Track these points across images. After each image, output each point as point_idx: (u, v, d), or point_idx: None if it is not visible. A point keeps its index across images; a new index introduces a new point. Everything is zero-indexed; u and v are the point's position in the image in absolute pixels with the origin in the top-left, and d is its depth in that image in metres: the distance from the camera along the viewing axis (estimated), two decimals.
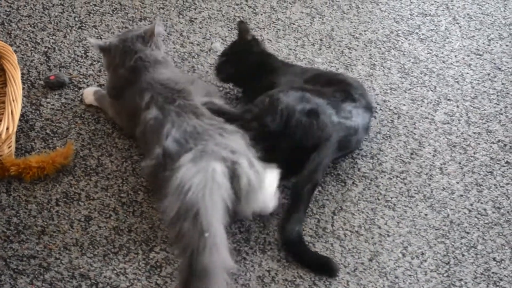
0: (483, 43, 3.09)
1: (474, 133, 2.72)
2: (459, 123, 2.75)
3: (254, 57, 2.70)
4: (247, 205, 2.24)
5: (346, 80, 2.62)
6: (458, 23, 3.18)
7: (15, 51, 2.73)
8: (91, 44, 2.64)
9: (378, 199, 2.48)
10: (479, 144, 2.69)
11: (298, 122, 2.39)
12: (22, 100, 2.58)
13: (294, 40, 3.02)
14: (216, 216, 2.10)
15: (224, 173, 2.16)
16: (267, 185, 2.28)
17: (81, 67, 2.83)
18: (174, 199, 2.12)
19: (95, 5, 3.09)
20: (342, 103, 2.46)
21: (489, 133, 2.72)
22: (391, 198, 2.49)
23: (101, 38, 2.93)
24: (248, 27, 2.76)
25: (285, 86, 2.52)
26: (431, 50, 3.04)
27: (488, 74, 2.95)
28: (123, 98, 2.52)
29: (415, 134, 2.69)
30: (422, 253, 2.35)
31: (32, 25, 2.98)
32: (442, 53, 3.03)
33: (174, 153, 2.24)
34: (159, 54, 2.57)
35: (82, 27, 2.99)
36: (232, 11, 3.12)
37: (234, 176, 2.18)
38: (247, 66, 2.69)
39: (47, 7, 3.06)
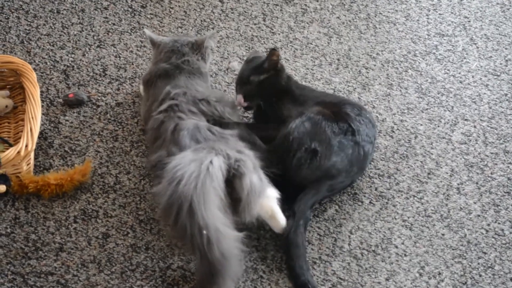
0: (501, 64, 3.09)
1: (492, 153, 2.71)
2: (476, 143, 2.74)
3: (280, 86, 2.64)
4: (248, 208, 2.21)
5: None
6: (475, 44, 3.18)
7: (34, 69, 2.76)
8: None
9: (395, 219, 2.48)
10: (496, 164, 2.68)
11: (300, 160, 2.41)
12: (41, 117, 2.60)
13: (311, 60, 3.03)
14: (211, 208, 2.11)
15: (221, 167, 2.17)
16: (268, 194, 2.27)
17: (99, 85, 2.85)
18: (166, 184, 2.13)
19: (113, 24, 3.11)
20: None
21: (506, 154, 2.71)
22: (408, 217, 2.49)
23: (119, 56, 2.96)
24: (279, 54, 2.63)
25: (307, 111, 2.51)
26: (448, 70, 3.04)
27: (506, 95, 2.95)
28: (153, 88, 2.59)
29: (432, 154, 2.69)
30: (439, 273, 2.35)
31: (52, 44, 3.01)
32: (459, 73, 3.03)
33: (184, 146, 2.29)
34: (203, 66, 2.66)
35: (101, 46, 3.01)
36: (250, 31, 3.13)
37: (237, 173, 2.19)
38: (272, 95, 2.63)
39: (66, 26, 3.09)
